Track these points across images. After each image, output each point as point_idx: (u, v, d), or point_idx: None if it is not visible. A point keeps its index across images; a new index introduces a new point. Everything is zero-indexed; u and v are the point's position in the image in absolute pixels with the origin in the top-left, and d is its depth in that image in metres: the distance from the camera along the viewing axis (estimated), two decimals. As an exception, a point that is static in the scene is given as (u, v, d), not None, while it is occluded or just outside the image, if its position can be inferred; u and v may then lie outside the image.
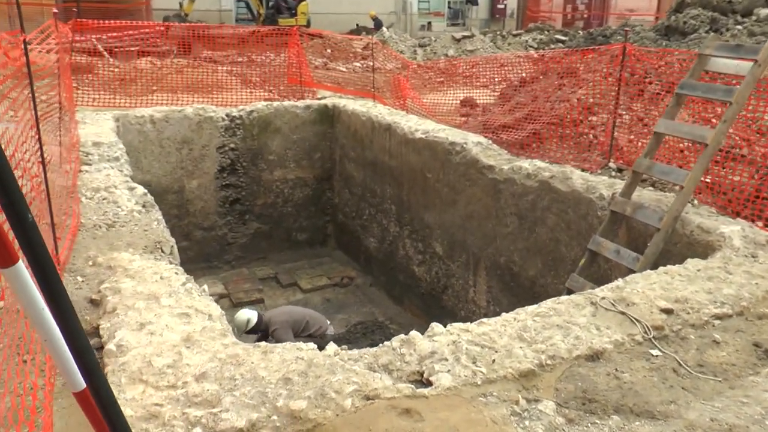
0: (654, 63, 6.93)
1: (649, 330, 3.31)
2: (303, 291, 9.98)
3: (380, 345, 3.20)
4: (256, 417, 2.51)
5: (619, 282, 3.86)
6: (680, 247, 4.61)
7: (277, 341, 7.06)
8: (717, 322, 3.45)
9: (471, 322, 3.42)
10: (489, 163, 6.65)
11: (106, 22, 11.13)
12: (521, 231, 6.27)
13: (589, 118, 7.02)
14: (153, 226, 4.78)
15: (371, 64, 14.69)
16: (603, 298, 3.59)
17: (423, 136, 7.85)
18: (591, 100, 7.21)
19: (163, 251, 4.46)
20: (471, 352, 3.05)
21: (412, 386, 2.79)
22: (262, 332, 7.26)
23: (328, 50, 17.17)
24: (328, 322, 7.59)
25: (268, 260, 10.83)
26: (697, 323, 3.42)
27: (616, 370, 3.01)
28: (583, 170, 6.41)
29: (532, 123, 7.35)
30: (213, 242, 10.32)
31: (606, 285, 3.84)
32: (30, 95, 3.53)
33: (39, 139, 3.44)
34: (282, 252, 10.95)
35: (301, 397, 2.62)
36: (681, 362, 3.11)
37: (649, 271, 4.02)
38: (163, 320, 3.16)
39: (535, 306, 3.59)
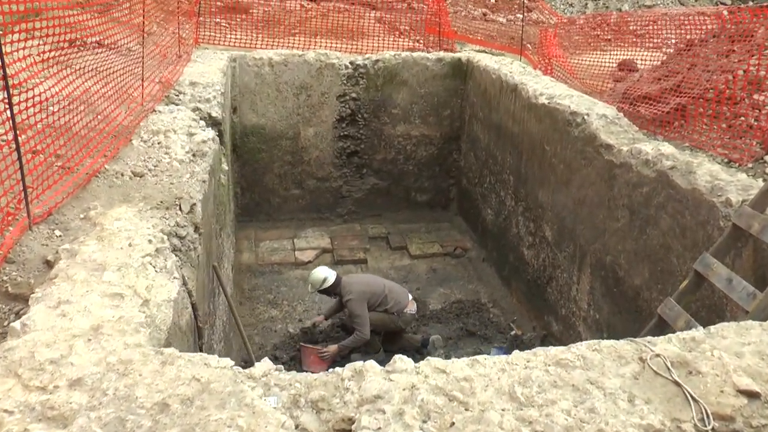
0: None
1: (708, 418, 2.26)
2: (411, 256, 9.36)
3: (329, 371, 2.49)
4: (92, 455, 1.96)
5: (697, 332, 2.76)
6: (823, 288, 3.31)
7: (350, 313, 6.56)
8: (830, 421, 2.30)
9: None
10: (607, 142, 5.46)
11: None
12: (631, 229, 5.09)
13: (754, 96, 5.50)
14: (184, 179, 4.37)
15: (533, 17, 13.41)
16: (658, 355, 2.55)
17: (546, 101, 6.73)
18: (762, 72, 5.65)
19: (181, 209, 4.04)
20: (427, 406, 2.24)
21: (316, 446, 2.08)
22: (336, 296, 6.78)
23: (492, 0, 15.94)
24: (410, 297, 6.92)
25: (383, 218, 10.30)
26: (796, 419, 2.29)
27: (626, 476, 2.05)
28: (729, 161, 5.04)
29: (679, 96, 5.95)
30: (326, 193, 9.98)
31: (677, 334, 2.77)
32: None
33: (5, 76, 3.07)
34: (399, 211, 10.37)
35: (161, 438, 2.02)
36: (740, 481, 2.06)
37: (751, 322, 2.85)
38: (87, 299, 2.70)
39: (561, 349, 2.65)
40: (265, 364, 2.46)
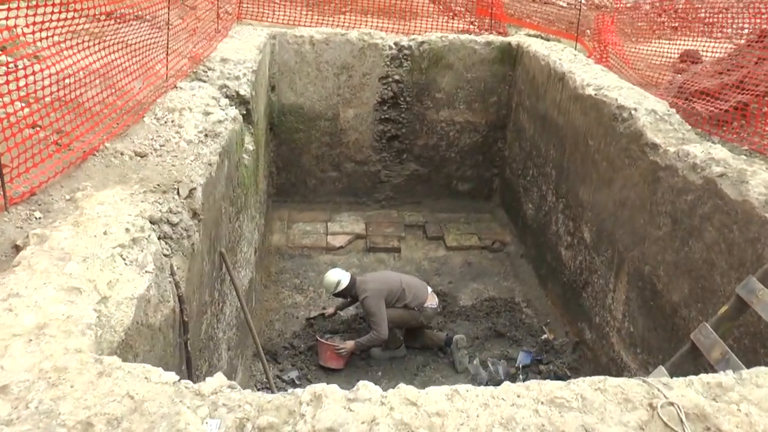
0: None
1: (720, 488, 1.89)
2: (446, 248, 9.02)
3: (284, 392, 2.22)
4: (-7, 480, 1.74)
5: (726, 377, 2.36)
6: None
7: (367, 311, 6.27)
8: None
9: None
10: (654, 141, 4.97)
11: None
12: (672, 239, 4.61)
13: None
14: (187, 161, 4.15)
15: (596, 1, 12.74)
16: (672, 403, 2.17)
17: (593, 92, 6.25)
18: (839, 70, 5.03)
19: (179, 193, 3.82)
20: (385, 448, 1.95)
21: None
22: (351, 298, 6.53)
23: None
24: (430, 291, 6.58)
25: (422, 206, 9.97)
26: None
27: None
28: (792, 169, 4.49)
29: (742, 93, 5.38)
30: (364, 177, 9.70)
31: (700, 377, 2.37)
32: None
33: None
34: (439, 200, 10.02)
35: (71, 466, 1.78)
36: None
37: (792, 367, 2.43)
38: (40, 293, 2.49)
39: (558, 384, 2.30)
40: (216, 380, 2.21)
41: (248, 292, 6.40)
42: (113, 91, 4.62)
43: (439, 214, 9.85)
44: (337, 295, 6.46)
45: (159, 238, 3.42)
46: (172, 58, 5.89)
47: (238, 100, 6.30)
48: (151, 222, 3.40)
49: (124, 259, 2.82)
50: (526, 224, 8.52)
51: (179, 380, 2.15)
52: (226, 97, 6.19)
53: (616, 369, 5.52)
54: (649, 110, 5.36)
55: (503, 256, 8.91)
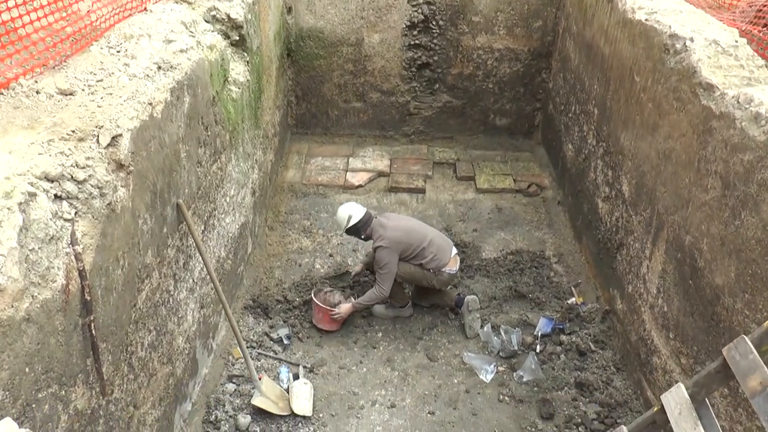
0: None
1: None
2: (476, 190, 8.19)
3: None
4: None
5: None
6: None
7: (377, 261, 5.55)
8: None
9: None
10: (708, 80, 3.96)
11: None
12: (721, 207, 3.69)
13: None
14: (118, 101, 3.45)
15: None
16: None
17: (644, 17, 5.16)
18: None
19: (99, 141, 3.16)
20: None
21: None
22: (366, 238, 5.77)
23: None
24: (453, 253, 5.74)
25: (455, 142, 9.11)
26: None
27: None
28: None
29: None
30: (391, 109, 8.86)
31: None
32: None
33: None
34: (474, 135, 9.13)
35: None
36: None
37: None
38: None
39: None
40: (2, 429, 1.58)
41: (239, 239, 5.82)
42: (52, 11, 3.92)
43: (472, 151, 8.98)
44: (349, 232, 5.72)
45: (60, 198, 2.80)
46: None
47: (230, 25, 5.55)
48: (48, 179, 2.77)
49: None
50: (566, 167, 7.58)
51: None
52: (216, 21, 5.44)
53: (646, 351, 4.71)
54: (709, 41, 4.30)
55: (539, 201, 8.02)
